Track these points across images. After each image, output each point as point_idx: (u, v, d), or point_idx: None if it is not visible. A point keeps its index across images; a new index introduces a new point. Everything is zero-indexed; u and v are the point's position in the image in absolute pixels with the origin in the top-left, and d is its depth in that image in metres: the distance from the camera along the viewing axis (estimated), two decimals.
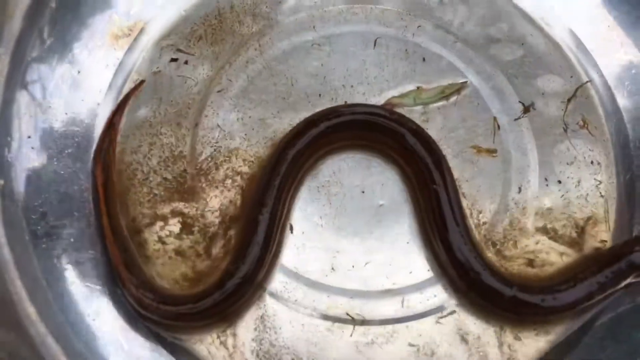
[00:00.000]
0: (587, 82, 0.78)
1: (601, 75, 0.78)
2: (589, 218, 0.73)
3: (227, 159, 0.73)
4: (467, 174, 0.74)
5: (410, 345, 0.68)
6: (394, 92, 0.76)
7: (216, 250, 0.70)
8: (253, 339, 0.68)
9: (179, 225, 0.70)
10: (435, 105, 0.76)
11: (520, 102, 0.77)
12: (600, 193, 0.74)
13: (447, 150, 0.74)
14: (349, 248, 0.71)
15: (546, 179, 0.74)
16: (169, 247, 0.70)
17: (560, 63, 0.79)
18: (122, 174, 0.71)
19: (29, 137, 0.70)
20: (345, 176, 0.73)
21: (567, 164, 0.75)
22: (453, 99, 0.77)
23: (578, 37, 0.80)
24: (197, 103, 0.75)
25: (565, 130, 0.76)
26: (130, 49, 0.77)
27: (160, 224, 0.70)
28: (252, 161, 0.73)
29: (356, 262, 0.71)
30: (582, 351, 0.68)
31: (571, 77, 0.78)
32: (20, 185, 0.69)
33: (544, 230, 0.72)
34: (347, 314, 0.69)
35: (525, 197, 0.73)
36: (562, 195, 0.73)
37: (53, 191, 0.70)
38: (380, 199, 0.73)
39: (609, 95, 0.78)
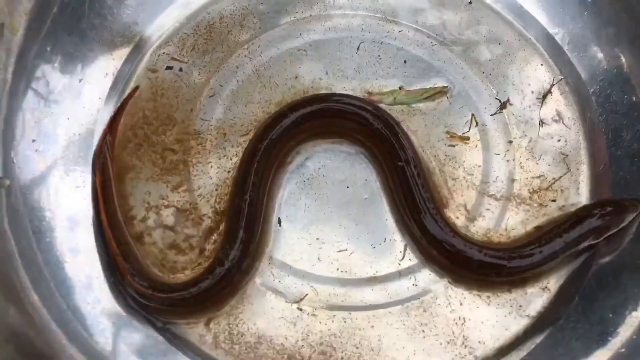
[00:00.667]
0: (561, 78, 0.82)
1: (575, 72, 0.81)
2: (562, 207, 0.76)
3: (218, 155, 0.78)
4: (447, 168, 0.77)
5: (394, 328, 0.72)
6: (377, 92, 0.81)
7: (210, 245, 0.74)
8: (241, 324, 0.71)
9: (172, 219, 0.75)
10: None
11: (497, 98, 0.81)
12: (576, 186, 0.77)
13: (428, 146, 0.78)
14: (334, 239, 0.75)
15: (522, 170, 0.78)
16: (164, 240, 0.74)
17: (536, 61, 0.82)
18: (119, 172, 0.76)
19: (33, 140, 0.75)
20: (330, 172, 0.77)
21: (543, 155, 0.78)
22: (432, 104, 0.81)
23: (553, 37, 0.83)
24: (190, 105, 0.80)
25: (541, 125, 0.80)
26: (127, 59, 0.81)
27: (154, 217, 0.74)
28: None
29: (341, 252, 0.74)
30: (556, 334, 0.71)
31: (547, 74, 0.82)
32: (25, 184, 0.73)
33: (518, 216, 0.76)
34: (327, 301, 0.73)
35: (503, 187, 0.77)
36: (538, 185, 0.77)
37: (55, 190, 0.74)
38: (364, 193, 0.77)
39: (582, 90, 0.81)
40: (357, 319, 0.72)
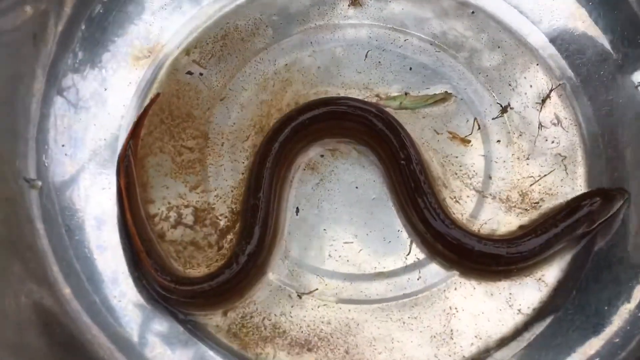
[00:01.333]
0: (559, 84, 0.86)
1: (572, 77, 0.85)
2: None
3: (232, 157, 0.82)
4: (450, 168, 0.82)
5: (402, 322, 0.76)
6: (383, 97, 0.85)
7: (227, 243, 0.79)
8: (255, 316, 0.76)
9: (192, 218, 0.80)
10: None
11: (498, 103, 0.85)
12: (573, 186, 0.81)
13: (432, 149, 0.82)
14: (344, 237, 0.79)
15: (522, 171, 0.82)
16: (184, 238, 0.79)
17: (535, 67, 0.86)
18: (142, 175, 0.81)
19: (63, 145, 0.80)
20: (341, 174, 0.82)
21: (543, 157, 0.82)
22: (437, 107, 0.85)
23: (551, 44, 0.87)
24: (208, 109, 0.84)
25: (540, 128, 0.84)
26: (150, 68, 0.86)
27: (175, 216, 0.79)
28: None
29: (351, 249, 0.79)
30: (554, 325, 0.75)
31: (546, 79, 0.85)
32: (56, 186, 0.78)
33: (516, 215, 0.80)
34: (337, 295, 0.77)
35: (503, 188, 0.81)
36: (538, 186, 0.81)
37: (83, 191, 0.79)
38: (372, 193, 0.81)
39: (579, 96, 0.85)
40: (366, 312, 0.77)
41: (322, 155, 0.83)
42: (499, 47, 0.87)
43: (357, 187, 0.81)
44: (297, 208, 0.80)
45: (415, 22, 0.89)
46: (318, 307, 0.77)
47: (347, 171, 0.82)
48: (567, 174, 0.81)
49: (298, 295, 0.77)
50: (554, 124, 0.84)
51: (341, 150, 0.83)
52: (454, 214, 0.79)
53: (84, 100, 0.83)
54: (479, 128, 0.84)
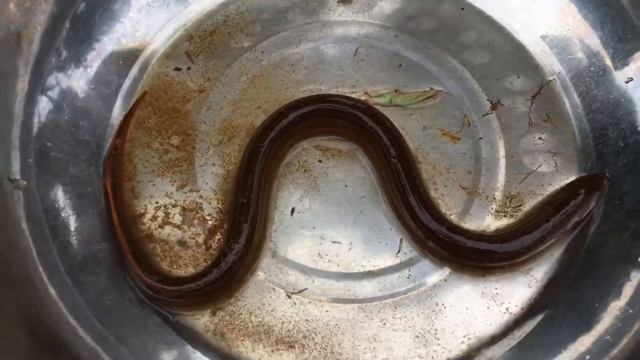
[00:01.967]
0: (550, 80, 0.85)
1: (563, 74, 0.85)
2: None
3: (220, 156, 0.82)
4: (440, 165, 0.81)
5: (391, 320, 0.75)
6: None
7: (215, 243, 0.78)
8: (244, 315, 0.75)
9: (179, 218, 0.79)
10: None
11: (488, 100, 0.85)
12: (565, 182, 0.81)
13: (422, 146, 0.82)
14: (334, 235, 0.78)
15: (512, 170, 0.81)
16: (172, 237, 0.78)
17: (525, 63, 0.86)
18: (129, 174, 0.80)
19: (49, 144, 0.79)
20: (330, 173, 0.81)
21: (532, 155, 0.82)
22: (427, 104, 0.84)
23: (541, 40, 0.87)
24: (195, 107, 0.84)
25: (530, 125, 0.83)
26: (137, 66, 0.86)
27: (162, 216, 0.79)
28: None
29: (340, 248, 0.78)
30: (545, 325, 0.75)
31: (536, 76, 0.85)
32: (41, 186, 0.77)
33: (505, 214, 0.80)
34: (327, 294, 0.77)
35: (493, 186, 0.81)
36: (526, 184, 0.81)
37: (69, 192, 0.78)
38: (362, 192, 0.81)
39: (569, 92, 0.84)
40: (355, 311, 0.76)
41: (312, 154, 0.82)
42: (488, 44, 0.87)
43: (346, 186, 0.81)
44: (293, 209, 0.79)
45: (405, 18, 0.88)
46: (306, 305, 0.76)
47: (336, 170, 0.81)
48: (557, 170, 0.81)
49: (287, 295, 0.76)
50: (544, 121, 0.83)
51: (331, 149, 0.82)
52: (444, 211, 0.79)
53: (69, 99, 0.82)
54: (469, 124, 0.83)
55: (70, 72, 0.83)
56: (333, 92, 0.84)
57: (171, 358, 0.74)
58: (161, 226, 0.78)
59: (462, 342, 0.74)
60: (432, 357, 0.74)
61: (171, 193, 0.80)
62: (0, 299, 0.69)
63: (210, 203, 0.80)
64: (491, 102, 0.84)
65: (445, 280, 0.77)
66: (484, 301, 0.76)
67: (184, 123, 0.83)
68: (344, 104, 0.80)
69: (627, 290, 0.73)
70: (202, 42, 0.87)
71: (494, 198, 0.80)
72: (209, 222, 0.79)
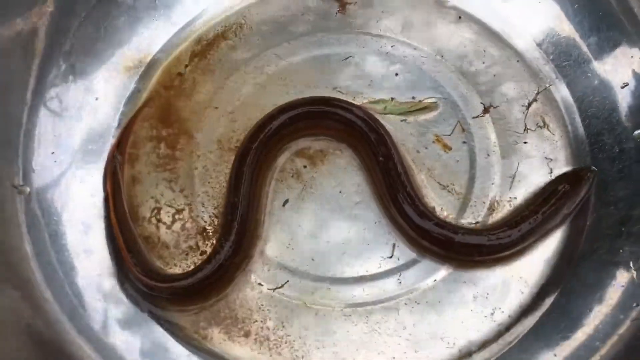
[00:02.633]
0: (546, 87, 0.85)
1: (559, 80, 0.85)
2: None
3: (217, 163, 0.83)
4: (435, 172, 0.82)
5: (382, 324, 0.76)
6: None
7: (208, 247, 0.79)
8: (233, 314, 0.77)
9: (173, 220, 0.81)
10: None
11: (482, 103, 0.85)
12: None
13: (416, 151, 0.82)
14: (326, 240, 0.79)
15: (507, 176, 0.81)
16: (167, 238, 0.80)
17: (521, 70, 0.86)
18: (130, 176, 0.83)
19: (52, 152, 0.82)
20: (324, 178, 0.82)
21: (529, 160, 0.82)
22: (421, 115, 0.85)
23: (538, 47, 0.87)
24: (195, 116, 0.86)
25: (526, 131, 0.83)
26: (141, 77, 0.88)
27: (158, 217, 0.81)
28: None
29: (334, 253, 0.79)
30: (537, 330, 0.74)
31: (532, 82, 0.85)
32: (43, 192, 0.80)
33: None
34: (319, 298, 0.77)
35: (488, 192, 0.81)
36: (521, 190, 0.80)
37: (70, 198, 0.81)
38: (356, 197, 0.82)
39: (565, 98, 0.84)
40: (345, 315, 0.76)
41: (304, 158, 0.83)
42: (485, 51, 0.87)
43: (340, 191, 0.82)
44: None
45: (402, 27, 0.89)
46: (295, 308, 0.77)
47: (330, 174, 0.82)
48: (552, 176, 0.81)
49: (277, 296, 0.77)
50: (540, 127, 0.83)
51: (324, 152, 0.83)
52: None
53: (72, 109, 0.85)
54: (462, 130, 0.84)
55: (75, 83, 0.85)
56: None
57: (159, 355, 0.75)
58: (157, 228, 0.80)
59: (453, 346, 0.74)
60: None
61: (168, 197, 0.82)
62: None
63: (206, 208, 0.81)
64: (484, 106, 0.84)
65: (436, 286, 0.77)
66: (474, 306, 0.76)
67: (184, 131, 0.85)
68: (334, 105, 0.81)
69: (618, 296, 0.72)
70: (204, 54, 0.89)
71: (489, 204, 0.80)
72: (205, 227, 0.80)
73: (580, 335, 0.72)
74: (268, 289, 0.78)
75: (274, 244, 0.80)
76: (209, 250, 0.79)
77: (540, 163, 0.82)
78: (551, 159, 0.82)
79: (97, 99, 0.87)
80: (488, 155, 0.82)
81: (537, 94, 0.85)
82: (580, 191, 0.77)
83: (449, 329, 0.75)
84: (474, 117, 0.84)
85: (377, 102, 0.85)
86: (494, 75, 0.86)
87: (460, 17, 0.89)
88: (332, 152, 0.83)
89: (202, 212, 0.81)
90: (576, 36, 0.86)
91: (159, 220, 0.81)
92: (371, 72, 0.87)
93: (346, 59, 0.87)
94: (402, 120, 0.84)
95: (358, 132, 0.80)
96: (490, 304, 0.75)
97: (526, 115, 0.84)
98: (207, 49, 0.90)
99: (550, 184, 0.79)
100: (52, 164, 0.82)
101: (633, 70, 0.82)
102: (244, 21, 0.91)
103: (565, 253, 0.77)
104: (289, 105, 0.82)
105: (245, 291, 0.78)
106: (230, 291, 0.77)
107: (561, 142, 0.83)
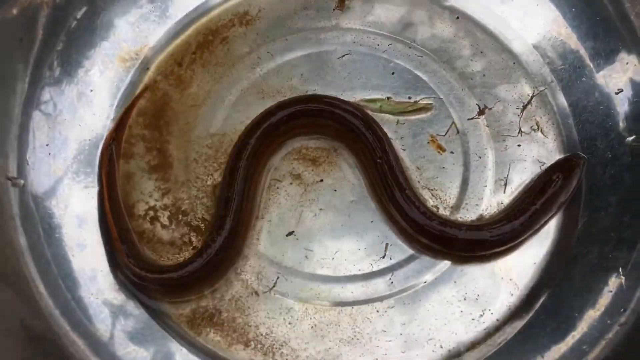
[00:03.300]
0: (541, 90, 0.86)
1: (554, 84, 0.85)
2: None
3: (214, 160, 0.83)
4: (429, 173, 0.82)
5: (375, 323, 0.77)
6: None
7: (199, 244, 0.80)
8: (223, 309, 0.77)
9: (168, 217, 0.81)
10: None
11: (477, 104, 0.85)
12: None
13: (411, 152, 0.83)
14: (320, 239, 0.80)
15: (501, 178, 0.82)
16: (161, 235, 0.80)
17: (517, 73, 0.86)
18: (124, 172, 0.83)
19: (47, 145, 0.82)
20: (319, 177, 0.82)
21: (522, 163, 0.82)
22: (416, 116, 0.85)
23: (534, 50, 0.87)
24: (191, 112, 0.86)
25: (520, 134, 0.84)
26: (137, 69, 0.87)
27: (152, 214, 0.81)
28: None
29: (326, 251, 0.80)
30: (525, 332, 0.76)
31: (527, 85, 0.86)
32: (37, 185, 0.80)
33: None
34: (312, 296, 0.78)
35: (481, 194, 0.82)
36: (514, 192, 0.81)
37: (65, 190, 0.81)
38: (351, 196, 0.82)
39: (560, 102, 0.85)
40: (337, 313, 0.77)
41: (300, 157, 0.83)
42: (481, 53, 0.88)
43: (335, 190, 0.82)
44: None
45: (400, 27, 0.89)
46: (288, 306, 0.78)
47: (325, 173, 0.82)
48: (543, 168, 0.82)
49: (268, 293, 0.78)
50: (534, 130, 0.84)
51: (319, 150, 0.83)
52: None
53: (68, 101, 0.84)
54: (457, 132, 0.84)
55: (70, 74, 0.85)
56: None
57: (158, 356, 0.76)
58: (152, 224, 0.81)
59: (442, 346, 0.75)
60: None
61: (161, 193, 0.82)
62: None
63: (200, 203, 0.81)
64: (479, 107, 0.85)
65: (426, 286, 0.78)
66: (465, 307, 0.77)
67: (179, 127, 0.85)
68: (331, 104, 0.81)
69: (606, 301, 0.73)
70: (200, 49, 0.89)
71: (482, 206, 0.81)
72: (198, 223, 0.80)
73: (568, 339, 0.73)
74: (260, 287, 0.78)
75: (267, 241, 0.80)
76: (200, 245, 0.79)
77: (532, 166, 0.82)
78: (544, 163, 0.82)
79: (92, 90, 0.86)
80: (481, 157, 0.83)
81: (532, 97, 0.85)
82: (574, 178, 0.78)
83: (438, 329, 0.76)
84: (469, 119, 0.84)
85: (372, 100, 0.86)
86: (490, 77, 0.86)
87: (457, 18, 0.89)
88: (328, 150, 0.83)
89: (196, 207, 0.81)
90: (573, 40, 0.86)
91: (152, 217, 0.81)
92: (368, 70, 0.87)
93: (343, 56, 0.87)
94: (397, 120, 0.84)
95: (356, 132, 0.80)
96: (480, 305, 0.76)
97: (521, 118, 0.84)
98: (204, 43, 0.89)
99: (543, 174, 0.80)
100: (46, 156, 0.81)
101: (628, 77, 0.82)
102: (242, 16, 0.90)
103: (555, 257, 0.78)
104: (286, 103, 0.82)
105: (236, 288, 0.78)
106: (221, 287, 0.78)
107: (554, 145, 0.83)
